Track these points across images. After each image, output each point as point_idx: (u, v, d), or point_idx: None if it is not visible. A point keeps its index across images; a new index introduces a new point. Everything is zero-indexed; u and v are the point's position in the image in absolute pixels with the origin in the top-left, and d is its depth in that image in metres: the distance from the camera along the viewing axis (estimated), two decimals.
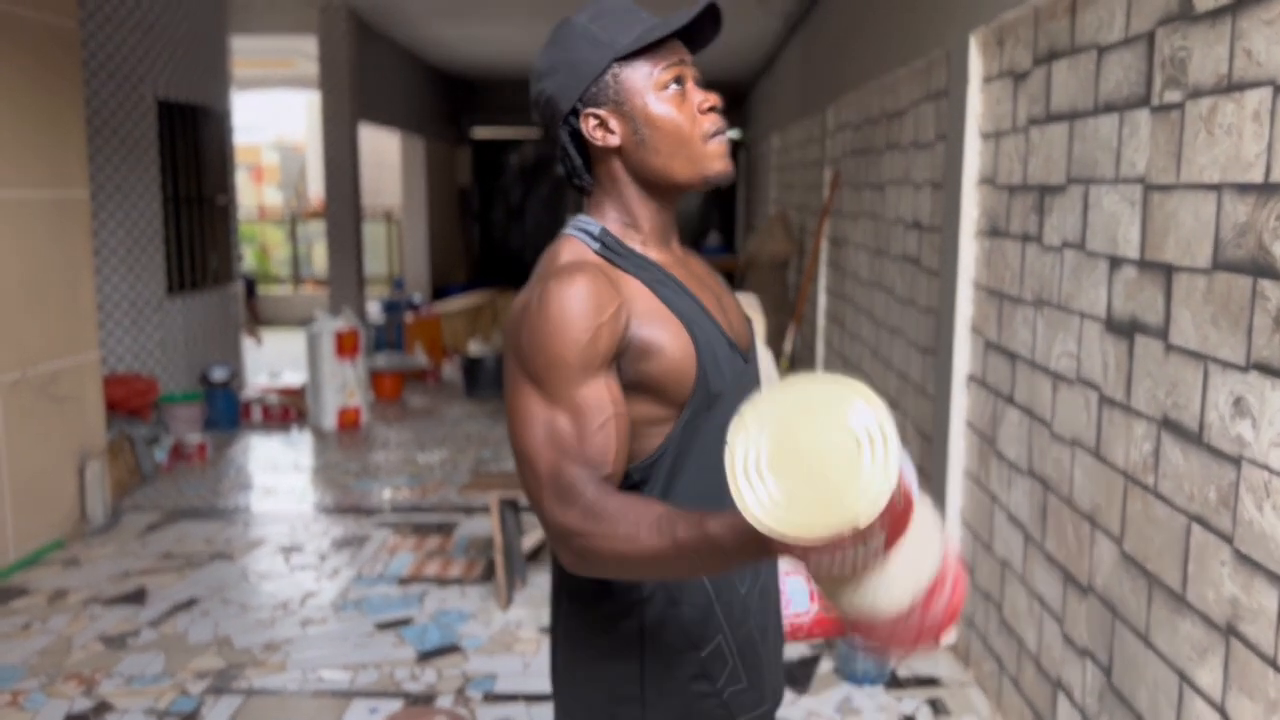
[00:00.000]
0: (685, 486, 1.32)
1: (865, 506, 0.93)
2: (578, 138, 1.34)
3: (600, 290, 1.23)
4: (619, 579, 1.26)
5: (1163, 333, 2.16)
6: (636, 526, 1.13)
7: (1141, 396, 2.25)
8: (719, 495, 1.34)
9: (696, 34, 1.35)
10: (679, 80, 1.31)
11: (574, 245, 1.33)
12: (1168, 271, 2.14)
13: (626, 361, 1.26)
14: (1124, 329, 2.33)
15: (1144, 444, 2.24)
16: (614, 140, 1.32)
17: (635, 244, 1.36)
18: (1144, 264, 2.24)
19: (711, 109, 1.33)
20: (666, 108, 1.30)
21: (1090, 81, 2.54)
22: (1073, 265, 2.63)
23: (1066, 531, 2.66)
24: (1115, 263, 2.38)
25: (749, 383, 1.40)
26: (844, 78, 6.00)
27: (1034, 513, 2.88)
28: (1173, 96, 2.12)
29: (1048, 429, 2.78)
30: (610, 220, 1.36)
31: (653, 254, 1.37)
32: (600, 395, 1.22)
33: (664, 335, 1.27)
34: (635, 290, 1.29)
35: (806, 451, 0.97)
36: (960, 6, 3.48)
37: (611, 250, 1.33)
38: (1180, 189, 2.09)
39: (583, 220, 1.38)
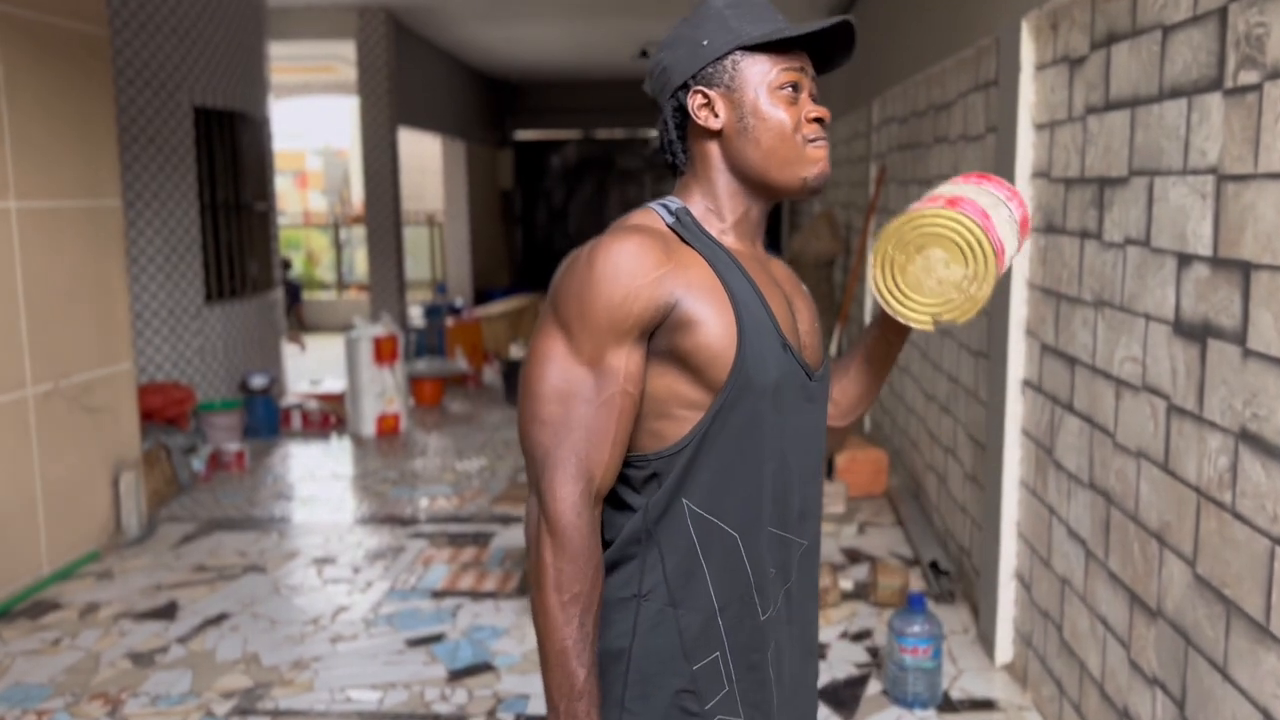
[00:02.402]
0: (706, 484, 1.24)
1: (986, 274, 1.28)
2: (682, 114, 1.33)
3: (648, 253, 1.21)
4: (527, 569, 1.29)
5: (1240, 337, 1.97)
6: (570, 607, 1.18)
7: (1216, 406, 2.06)
8: (735, 506, 1.25)
9: (827, 51, 1.35)
10: (795, 86, 1.30)
11: (647, 214, 1.32)
12: (1245, 269, 1.95)
13: (664, 331, 1.22)
14: (1195, 332, 2.14)
15: (1219, 458, 2.05)
16: (716, 123, 1.31)
17: (713, 230, 1.31)
18: (1217, 261, 2.05)
19: (818, 120, 1.31)
20: (775, 106, 1.29)
21: (1154, 65, 2.35)
22: (1136, 263, 2.44)
23: (1132, 549, 2.47)
24: (1184, 260, 2.19)
25: (810, 399, 1.32)
26: (889, 70, 5.81)
27: (1096, 528, 2.70)
28: (1249, 78, 1.93)
29: (1110, 439, 2.60)
30: (695, 203, 1.34)
31: (730, 241, 1.32)
32: (617, 365, 1.20)
33: (708, 310, 1.23)
34: (692, 262, 1.25)
35: (931, 262, 1.30)
36: None
37: (684, 226, 1.28)
38: (1259, 179, 1.90)
39: (666, 198, 1.34)
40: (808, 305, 1.41)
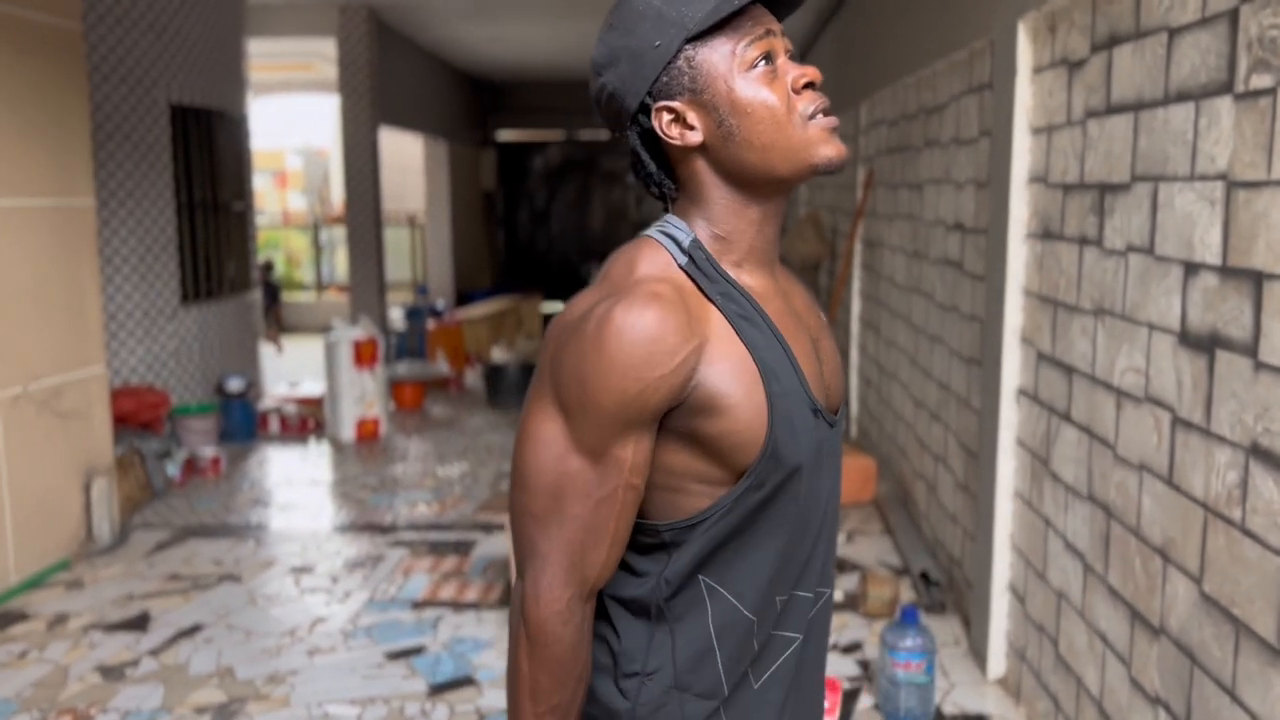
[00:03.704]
0: (730, 564, 1.10)
1: None
2: (651, 138, 1.12)
3: (672, 331, 1.01)
4: (509, 678, 1.12)
5: (1250, 349, 1.91)
6: (546, 718, 1.09)
7: (1225, 420, 2.00)
8: (760, 587, 1.11)
9: None
10: (768, 56, 1.07)
11: (657, 254, 1.10)
12: (1257, 279, 1.89)
13: (683, 412, 1.04)
14: (1202, 343, 2.08)
15: (1228, 473, 1.99)
16: (695, 137, 1.09)
17: (728, 265, 1.12)
18: (1226, 270, 1.99)
19: (809, 85, 1.08)
20: (755, 90, 1.06)
21: (1159, 68, 2.29)
22: (1139, 271, 2.38)
23: (1134, 565, 2.40)
24: (1191, 269, 2.13)
25: (830, 451, 1.16)
26: (878, 72, 5.75)
27: (1095, 541, 2.63)
28: (1262, 82, 1.87)
29: (1110, 451, 2.53)
30: (701, 230, 1.13)
31: (747, 278, 1.12)
32: (623, 457, 1.03)
33: (735, 390, 1.04)
34: (715, 326, 1.06)
35: None
36: None
37: (700, 269, 1.09)
38: (1271, 186, 1.84)
39: (672, 222, 1.14)
40: (829, 337, 1.23)
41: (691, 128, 1.09)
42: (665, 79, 1.08)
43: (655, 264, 1.09)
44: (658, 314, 1.01)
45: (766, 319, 1.10)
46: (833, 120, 1.10)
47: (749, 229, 1.12)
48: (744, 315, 1.08)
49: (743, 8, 1.06)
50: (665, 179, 1.15)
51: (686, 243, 1.11)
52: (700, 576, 1.10)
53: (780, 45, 1.09)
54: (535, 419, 1.06)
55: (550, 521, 1.05)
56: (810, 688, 1.22)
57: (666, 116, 1.09)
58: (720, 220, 1.12)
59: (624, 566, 1.12)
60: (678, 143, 1.10)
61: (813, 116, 1.08)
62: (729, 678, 1.12)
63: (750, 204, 1.12)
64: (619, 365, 1.00)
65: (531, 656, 1.06)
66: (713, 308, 1.08)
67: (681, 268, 1.09)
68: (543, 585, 1.05)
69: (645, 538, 1.11)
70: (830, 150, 1.08)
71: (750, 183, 1.11)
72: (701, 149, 1.10)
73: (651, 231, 1.14)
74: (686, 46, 1.07)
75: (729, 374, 1.05)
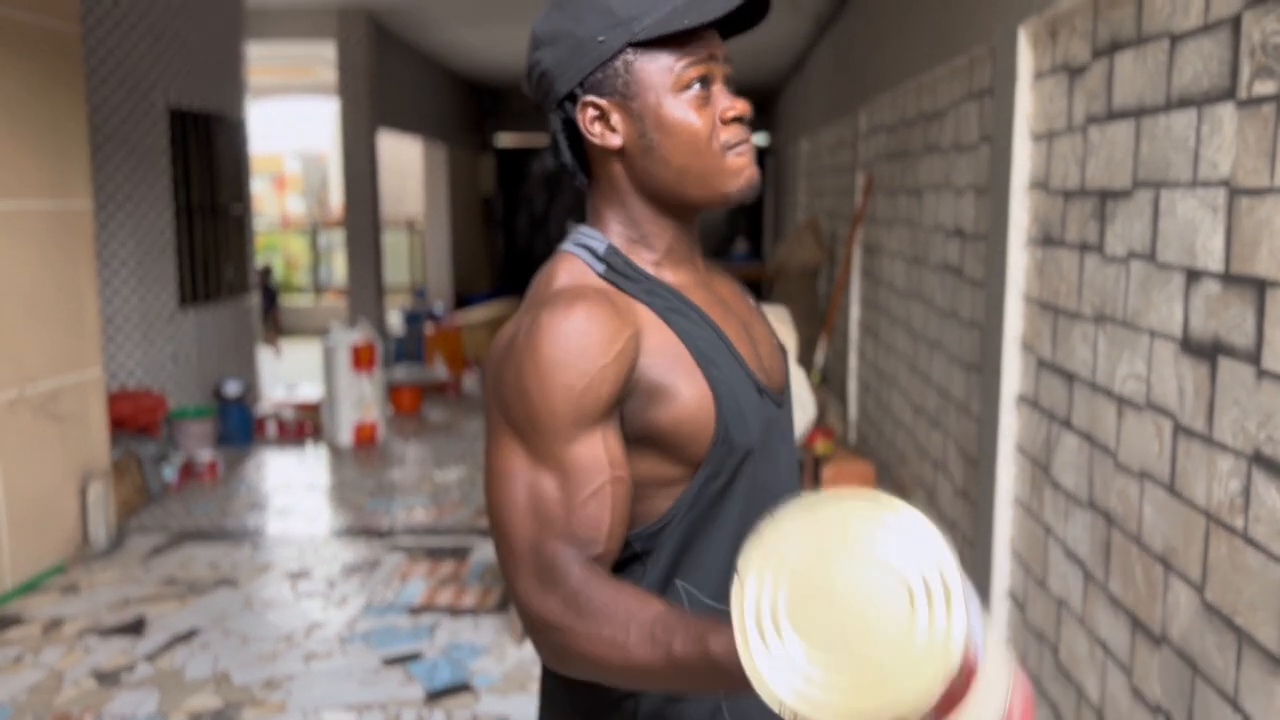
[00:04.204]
0: (698, 562, 1.09)
1: (919, 695, 0.68)
2: (573, 127, 1.12)
3: (604, 322, 1.01)
4: (600, 682, 1.00)
5: (1254, 356, 1.90)
6: (626, 629, 0.92)
7: (1227, 427, 1.99)
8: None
9: (735, 18, 1.12)
10: (704, 81, 1.08)
11: (573, 265, 1.11)
12: (1260, 286, 1.88)
13: (631, 407, 1.03)
14: (1205, 351, 2.07)
15: (1230, 481, 1.98)
16: (615, 140, 1.09)
17: (647, 265, 1.12)
18: (1229, 278, 1.98)
19: (736, 119, 1.09)
20: (683, 111, 1.07)
21: (1161, 74, 2.28)
22: (1141, 278, 2.37)
23: (1134, 572, 2.39)
24: (1193, 276, 2.12)
25: (780, 433, 1.15)
26: (877, 78, 5.75)
27: (1095, 549, 2.62)
28: (1265, 88, 1.86)
29: (1112, 458, 2.52)
30: (615, 234, 1.13)
31: (668, 276, 1.13)
32: (595, 454, 1.00)
33: (676, 378, 1.04)
34: (645, 320, 1.05)
35: (842, 605, 0.73)
36: None
37: (618, 273, 1.09)
38: (1274, 193, 1.83)
39: (585, 233, 1.14)
40: (760, 321, 1.24)
41: (614, 130, 1.09)
42: (599, 75, 1.08)
43: (573, 274, 1.09)
44: (585, 310, 1.01)
45: (695, 308, 1.10)
46: (749, 158, 1.10)
47: (664, 233, 1.14)
48: (671, 308, 1.09)
49: (694, 32, 1.06)
50: (579, 170, 1.15)
51: (602, 250, 1.11)
52: (677, 581, 1.09)
53: (720, 71, 1.10)
54: (496, 455, 1.03)
55: (543, 538, 1.00)
56: None
57: (591, 113, 1.09)
58: (635, 224, 1.13)
59: None
60: (597, 141, 1.10)
61: (732, 148, 1.09)
62: None
63: (662, 214, 1.13)
64: (558, 365, 0.99)
65: (586, 634, 0.95)
66: (639, 305, 1.08)
67: (600, 275, 1.09)
68: (544, 604, 0.99)
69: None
70: (742, 181, 1.10)
71: (661, 198, 1.11)
72: (620, 153, 1.10)
73: (566, 245, 1.14)
74: (628, 50, 1.07)
75: (667, 363, 1.05)
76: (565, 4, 1.09)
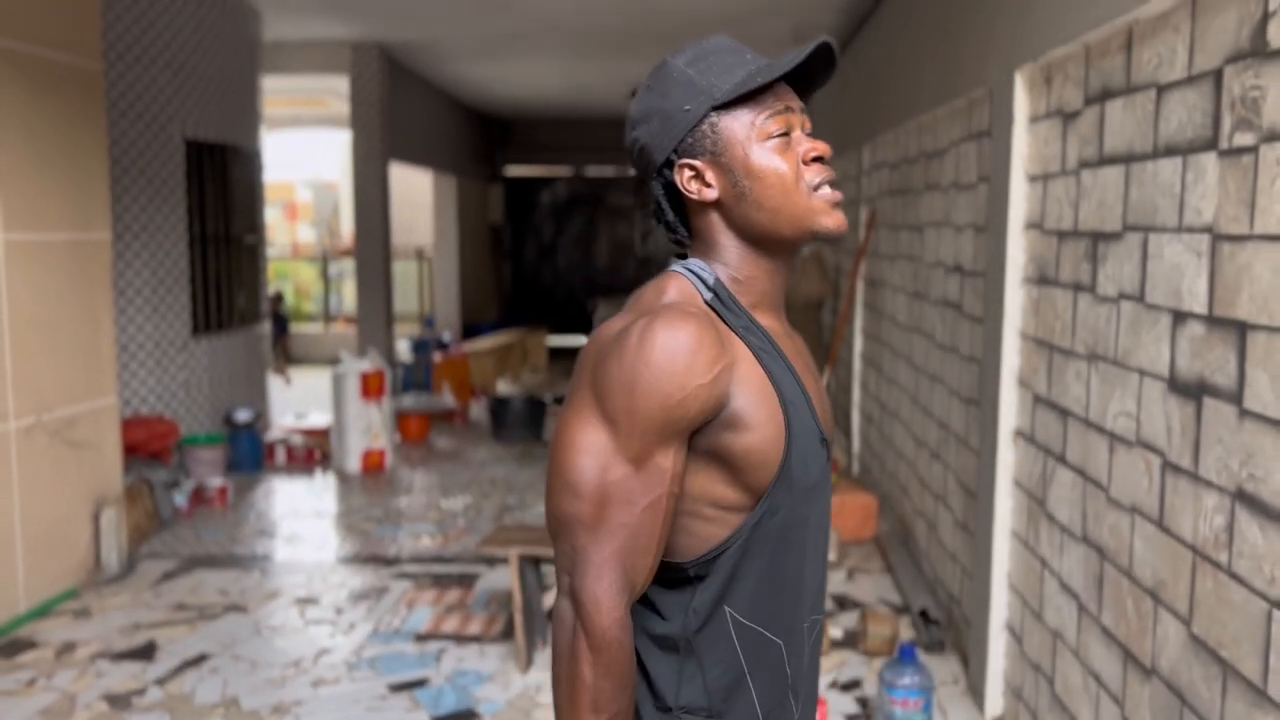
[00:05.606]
0: (744, 589, 1.17)
1: None
2: (673, 190, 1.24)
3: (706, 347, 1.11)
4: (555, 676, 1.14)
5: (1236, 396, 1.97)
6: (601, 703, 1.09)
7: (1211, 465, 2.05)
8: (779, 611, 1.18)
9: (807, 75, 1.25)
10: (785, 131, 1.20)
11: (683, 285, 1.21)
12: (1241, 329, 1.95)
13: (711, 429, 1.12)
14: (1190, 390, 2.14)
15: (1215, 517, 2.04)
16: (711, 194, 1.21)
17: (746, 303, 1.23)
18: (1213, 320, 2.05)
19: (818, 159, 1.21)
20: (769, 158, 1.18)
21: (1149, 122, 2.36)
22: (1130, 318, 2.44)
23: (1126, 606, 2.45)
24: (1179, 317, 2.20)
25: (826, 475, 1.25)
26: (880, 116, 5.85)
27: (1089, 582, 2.68)
28: (1244, 140, 1.94)
29: (1104, 493, 2.59)
30: (720, 273, 1.23)
31: (762, 319, 1.23)
32: (664, 465, 1.11)
33: (759, 411, 1.13)
34: (740, 353, 1.16)
35: None
36: (1004, 43, 3.32)
37: (723, 304, 1.19)
38: (1254, 240, 1.91)
39: (695, 263, 1.24)
40: (818, 377, 1.33)
41: (709, 185, 1.21)
42: (690, 140, 1.20)
43: (684, 292, 1.20)
44: (696, 329, 1.11)
45: (783, 354, 1.20)
46: (837, 195, 1.20)
47: (762, 276, 1.23)
48: (763, 349, 1.18)
49: (768, 89, 1.18)
50: (680, 227, 1.26)
51: (711, 280, 1.22)
52: (725, 607, 1.16)
53: (797, 121, 1.21)
54: (577, 428, 1.13)
55: (599, 529, 1.11)
56: (810, 712, 1.29)
57: (688, 173, 1.21)
58: (736, 266, 1.23)
59: (650, 604, 1.19)
60: (695, 197, 1.22)
61: (818, 188, 1.19)
62: (763, 704, 1.18)
63: (760, 257, 1.23)
64: (663, 372, 1.09)
65: (595, 665, 1.09)
66: (736, 338, 1.17)
67: (707, 302, 1.19)
68: (601, 592, 1.10)
69: (670, 574, 1.17)
70: (831, 221, 1.20)
71: (757, 240, 1.22)
72: (716, 205, 1.22)
73: (676, 267, 1.25)
74: (712, 113, 1.19)
75: (755, 396, 1.14)
76: (652, 87, 1.23)
